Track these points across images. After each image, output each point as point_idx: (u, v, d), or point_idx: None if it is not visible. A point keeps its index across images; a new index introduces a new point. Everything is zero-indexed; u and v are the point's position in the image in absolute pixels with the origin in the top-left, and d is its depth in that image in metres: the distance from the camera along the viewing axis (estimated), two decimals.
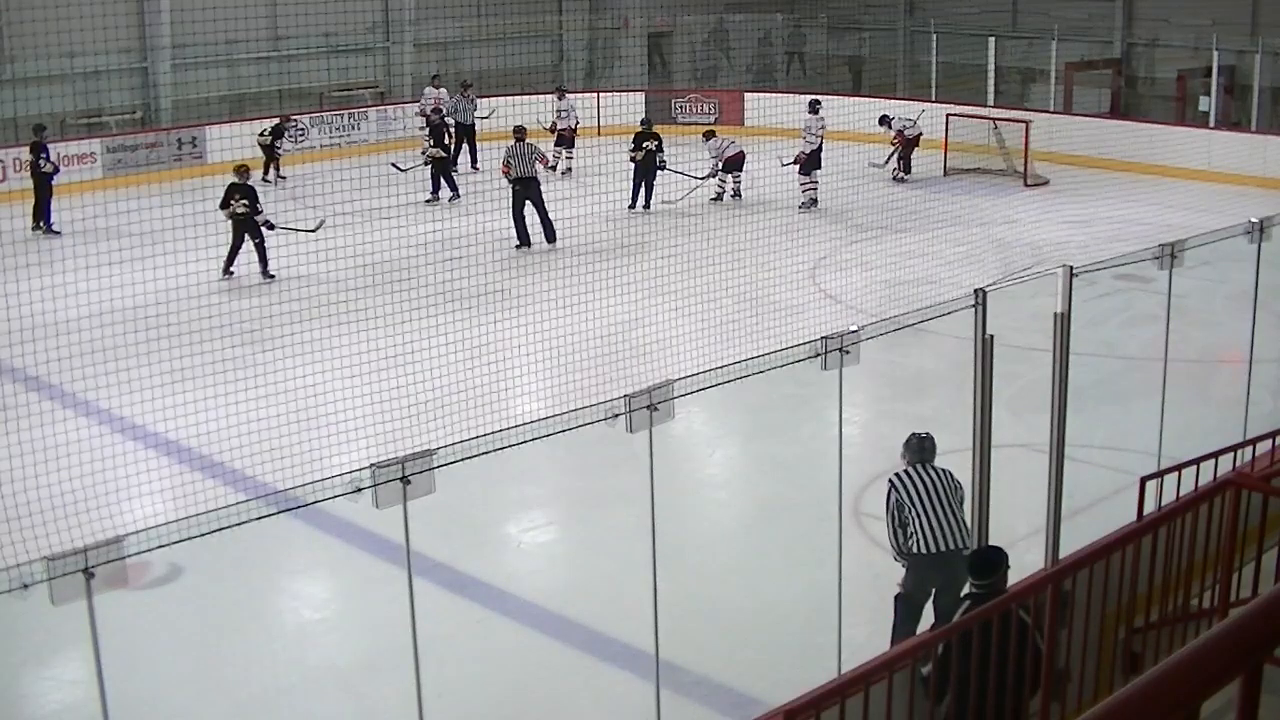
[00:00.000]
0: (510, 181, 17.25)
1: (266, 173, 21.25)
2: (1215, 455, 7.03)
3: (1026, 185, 21.16)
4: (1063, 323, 7.06)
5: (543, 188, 17.46)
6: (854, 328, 6.74)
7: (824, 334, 6.68)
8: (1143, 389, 10.23)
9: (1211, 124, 22.54)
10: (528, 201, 17.13)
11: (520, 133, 17.73)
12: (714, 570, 8.81)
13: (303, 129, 23.73)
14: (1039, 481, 7.24)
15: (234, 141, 19.23)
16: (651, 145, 19.31)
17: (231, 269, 15.98)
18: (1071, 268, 7.14)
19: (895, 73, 28.20)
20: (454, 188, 20.12)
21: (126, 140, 22.06)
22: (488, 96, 23.29)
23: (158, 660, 7.78)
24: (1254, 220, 8.89)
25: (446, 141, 20.47)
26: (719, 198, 20.14)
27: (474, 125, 22.63)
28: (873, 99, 24.14)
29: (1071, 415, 7.25)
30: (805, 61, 29.77)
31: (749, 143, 20.91)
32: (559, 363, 11.88)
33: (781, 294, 14.21)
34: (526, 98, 22.76)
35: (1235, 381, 10.36)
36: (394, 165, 20.15)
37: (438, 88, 23.78)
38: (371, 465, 5.29)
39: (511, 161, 17.24)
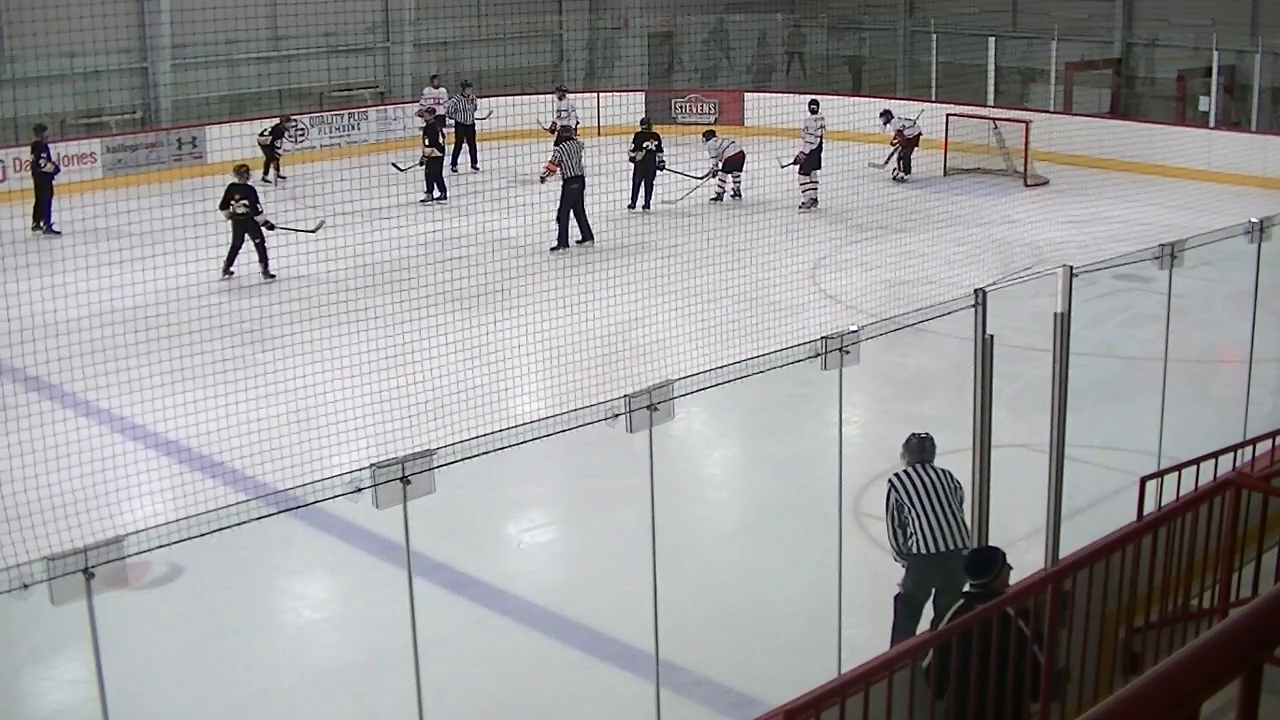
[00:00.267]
0: (564, 181, 17.23)
1: (266, 173, 21.25)
2: (1215, 455, 7.03)
3: (1026, 185, 21.16)
4: (1063, 323, 7.06)
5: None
6: (854, 328, 6.74)
7: (824, 334, 6.68)
8: (1143, 389, 10.24)
9: (1211, 124, 22.54)
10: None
11: (568, 132, 17.74)
12: (714, 570, 8.80)
13: (303, 129, 23.73)
14: (1039, 481, 7.24)
15: (234, 141, 19.25)
16: (651, 145, 19.31)
17: (231, 269, 15.98)
18: (1071, 268, 7.14)
19: (895, 73, 28.21)
20: (443, 189, 20.13)
21: (126, 140, 22.06)
22: (487, 96, 23.29)
23: (158, 660, 7.77)
24: (1254, 220, 8.89)
25: (441, 141, 20.45)
26: (719, 198, 20.14)
27: (474, 125, 22.63)
28: (873, 99, 24.17)
29: (1071, 415, 7.25)
30: (805, 61, 29.78)
31: (749, 143, 20.92)
32: (559, 363, 11.88)
33: (781, 294, 14.21)
34: (526, 98, 22.78)
35: (1235, 381, 10.35)
36: (394, 165, 20.17)
37: (437, 88, 23.79)
38: (371, 465, 5.28)
39: (563, 160, 17.26)
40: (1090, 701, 5.57)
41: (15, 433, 10.33)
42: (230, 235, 15.87)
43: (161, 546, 4.89)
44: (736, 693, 7.33)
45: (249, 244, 15.90)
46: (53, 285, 11.86)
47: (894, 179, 21.46)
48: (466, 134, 22.64)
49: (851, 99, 24.48)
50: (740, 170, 19.88)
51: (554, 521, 10.23)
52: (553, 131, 22.30)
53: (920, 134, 21.66)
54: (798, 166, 19.52)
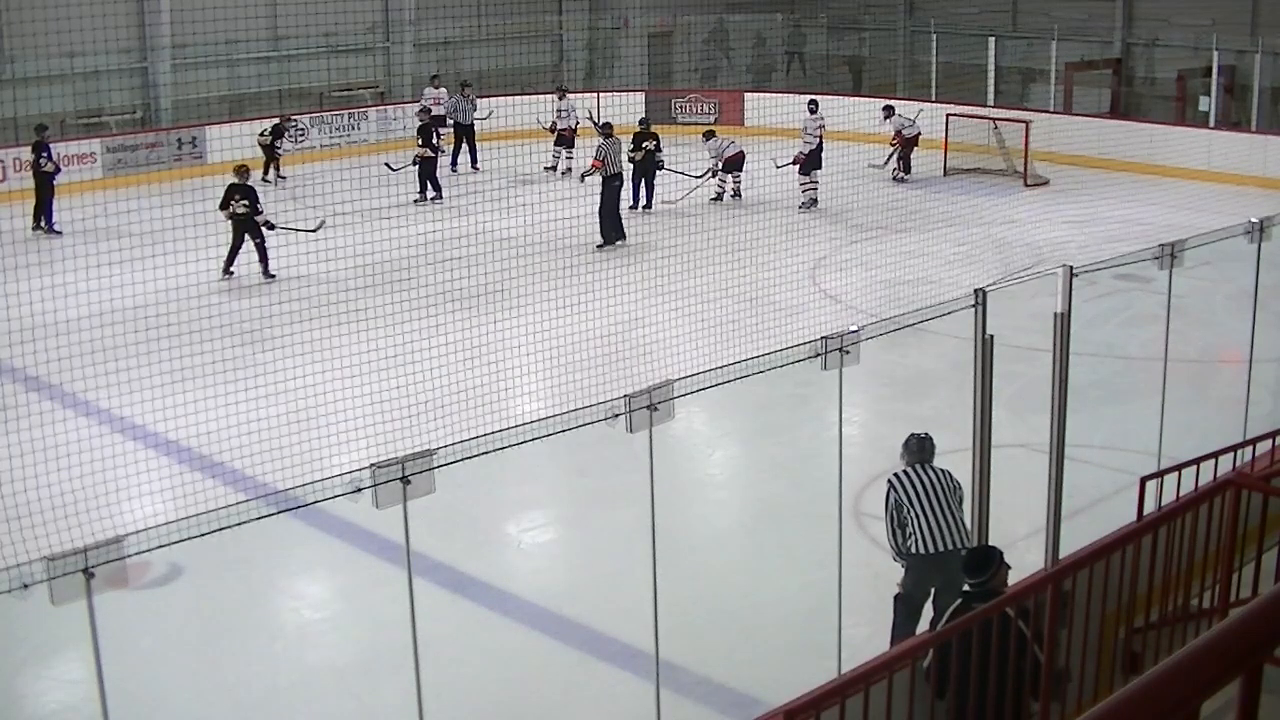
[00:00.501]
0: (605, 178, 17.33)
1: (266, 173, 21.25)
2: (1215, 455, 7.03)
3: (1026, 185, 21.16)
4: (1063, 323, 7.06)
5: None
6: (854, 328, 6.74)
7: (824, 334, 6.68)
8: (1143, 389, 10.24)
9: (1211, 124, 22.54)
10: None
11: (608, 129, 17.81)
12: (714, 570, 8.80)
13: (303, 129, 23.73)
14: (1039, 481, 7.24)
15: (234, 141, 19.25)
16: (650, 145, 19.31)
17: (231, 269, 15.98)
18: (1071, 268, 7.14)
19: (895, 73, 28.19)
20: (437, 189, 20.13)
21: (126, 140, 22.06)
22: (488, 96, 23.29)
23: (158, 660, 7.78)
24: (1254, 220, 8.89)
25: (435, 141, 20.45)
26: (719, 198, 20.14)
27: (474, 125, 22.62)
28: (873, 99, 24.17)
29: (1071, 415, 7.25)
30: (805, 61, 29.78)
31: (749, 143, 20.92)
32: (559, 363, 11.87)
33: (781, 294, 14.21)
34: (526, 98, 22.77)
35: (1235, 381, 10.35)
36: (386, 165, 20.16)
37: (437, 88, 23.79)
38: (371, 465, 5.28)
39: (607, 157, 17.35)
40: (1090, 701, 5.57)
41: (15, 433, 10.34)
42: (230, 235, 15.88)
43: (161, 546, 4.89)
44: (736, 693, 7.33)
45: (249, 244, 15.91)
46: (53, 285, 11.85)
47: (894, 179, 21.46)
48: (466, 134, 22.63)
49: (851, 99, 24.49)
50: (740, 170, 19.88)
51: (554, 521, 10.23)
52: (552, 131, 22.36)
53: (919, 134, 21.66)
54: (797, 166, 19.52)
